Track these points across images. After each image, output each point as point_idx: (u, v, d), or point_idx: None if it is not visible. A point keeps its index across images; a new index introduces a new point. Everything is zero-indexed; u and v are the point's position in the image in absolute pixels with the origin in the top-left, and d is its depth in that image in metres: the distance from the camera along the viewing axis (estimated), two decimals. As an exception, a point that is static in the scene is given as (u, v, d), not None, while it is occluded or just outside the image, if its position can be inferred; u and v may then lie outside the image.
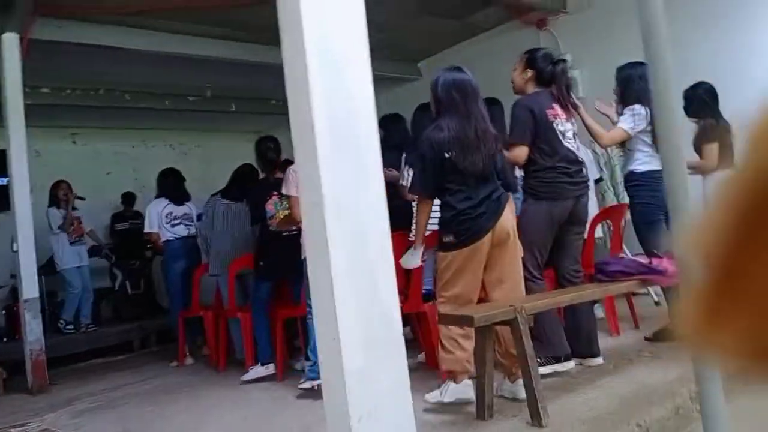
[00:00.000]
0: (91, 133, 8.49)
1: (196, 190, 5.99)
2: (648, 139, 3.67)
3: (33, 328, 5.00)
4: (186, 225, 5.45)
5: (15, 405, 4.48)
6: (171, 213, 5.43)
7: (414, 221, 3.96)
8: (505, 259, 2.87)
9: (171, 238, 5.41)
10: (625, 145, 3.94)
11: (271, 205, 4.13)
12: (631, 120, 3.65)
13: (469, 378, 2.81)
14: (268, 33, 6.04)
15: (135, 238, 7.44)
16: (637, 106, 3.65)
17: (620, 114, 3.77)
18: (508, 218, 2.89)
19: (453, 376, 2.80)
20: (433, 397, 2.83)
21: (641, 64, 3.83)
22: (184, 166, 6.43)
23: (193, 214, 5.57)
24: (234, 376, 4.33)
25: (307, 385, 3.42)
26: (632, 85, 3.71)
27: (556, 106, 3.27)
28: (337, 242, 1.70)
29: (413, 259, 3.06)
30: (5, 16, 4.91)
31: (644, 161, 3.67)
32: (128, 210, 7.79)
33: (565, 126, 3.30)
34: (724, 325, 0.29)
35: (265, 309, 4.21)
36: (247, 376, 4.09)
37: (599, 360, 3.29)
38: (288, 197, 3.67)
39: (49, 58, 5.74)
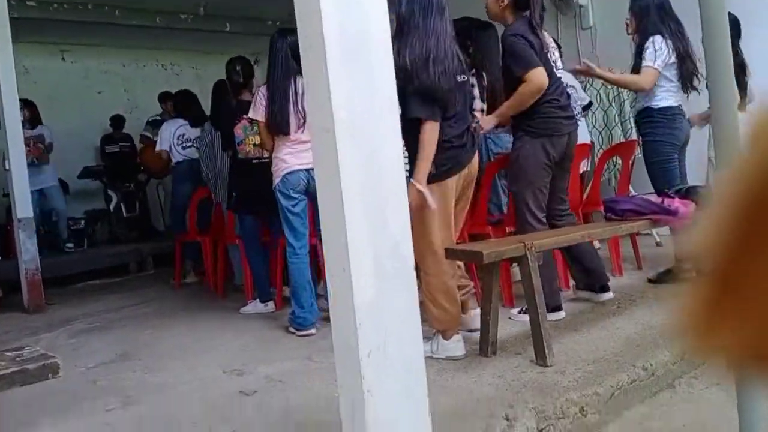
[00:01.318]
0: (80, 50, 8.18)
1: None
2: (669, 73, 3.49)
3: (28, 247, 4.97)
4: (197, 148, 5.33)
5: (11, 324, 4.48)
6: (183, 135, 5.32)
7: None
8: (463, 202, 2.75)
9: (180, 160, 5.31)
10: None
11: (240, 130, 3.82)
12: (654, 55, 3.46)
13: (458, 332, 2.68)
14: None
15: (126, 161, 7.32)
16: (657, 39, 3.46)
17: (639, 46, 3.57)
18: (476, 157, 2.77)
19: (443, 332, 2.64)
20: (424, 351, 2.73)
21: None
22: (177, 88, 6.21)
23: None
24: (232, 302, 4.33)
25: (302, 333, 3.31)
26: (650, 16, 3.52)
27: (542, 35, 3.03)
28: (349, 169, 1.59)
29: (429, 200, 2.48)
30: None
31: (662, 96, 3.51)
32: (117, 133, 7.59)
33: (555, 55, 3.12)
34: (724, 325, 0.29)
35: (256, 243, 4.07)
36: (245, 310, 4.05)
37: (610, 294, 3.26)
38: (256, 122, 3.46)
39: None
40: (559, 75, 3.11)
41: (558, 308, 3.04)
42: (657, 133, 3.52)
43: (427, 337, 2.53)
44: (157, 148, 5.43)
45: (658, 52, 3.43)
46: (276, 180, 3.35)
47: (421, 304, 2.31)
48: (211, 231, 4.92)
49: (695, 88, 3.49)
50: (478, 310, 2.82)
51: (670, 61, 3.45)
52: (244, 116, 3.71)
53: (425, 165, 2.47)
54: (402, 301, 1.65)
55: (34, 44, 7.25)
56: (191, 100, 5.58)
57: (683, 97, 3.58)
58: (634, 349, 2.51)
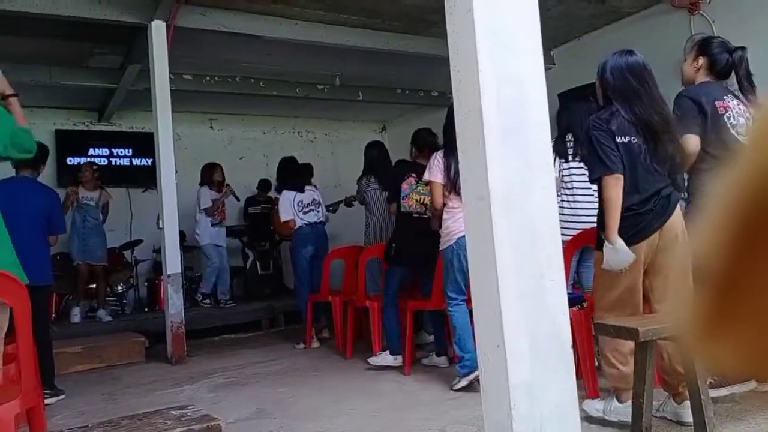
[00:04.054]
0: (226, 118, 8.90)
1: (323, 178, 6.05)
2: None
3: (175, 301, 5.28)
4: (315, 211, 5.53)
5: (156, 374, 4.77)
6: (302, 201, 5.55)
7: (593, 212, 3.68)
8: (672, 265, 2.57)
9: (301, 225, 5.50)
10: None
11: (407, 185, 4.15)
12: None
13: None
14: (401, 21, 6.06)
15: (266, 222, 7.75)
16: None
17: None
18: (678, 219, 2.59)
19: (618, 392, 2.57)
20: (595, 409, 2.66)
21: None
22: (312, 154, 6.56)
23: (320, 199, 5.66)
24: (360, 363, 4.35)
25: (463, 382, 3.38)
26: None
27: (728, 99, 2.90)
28: (503, 240, 1.55)
29: (620, 255, 2.44)
30: (154, 4, 5.19)
31: None
32: (261, 195, 8.09)
33: (737, 120, 2.92)
34: (723, 336, 0.29)
35: (395, 299, 4.16)
36: (374, 361, 4.11)
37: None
38: (429, 183, 3.67)
39: (193, 46, 6.03)
40: (741, 139, 2.92)
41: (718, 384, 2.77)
42: None
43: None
44: (283, 218, 5.54)
45: None
46: (450, 242, 3.49)
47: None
48: (343, 291, 5.02)
49: None
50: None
51: None
52: (412, 175, 4.08)
53: (613, 223, 2.45)
54: (560, 383, 1.55)
55: (186, 113, 7.98)
56: (292, 168, 5.75)
57: None
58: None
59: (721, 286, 0.28)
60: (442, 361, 4.13)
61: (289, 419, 3.18)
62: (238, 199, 7.19)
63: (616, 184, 2.46)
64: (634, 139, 2.52)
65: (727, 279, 0.28)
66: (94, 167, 6.65)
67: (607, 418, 2.60)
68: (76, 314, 6.22)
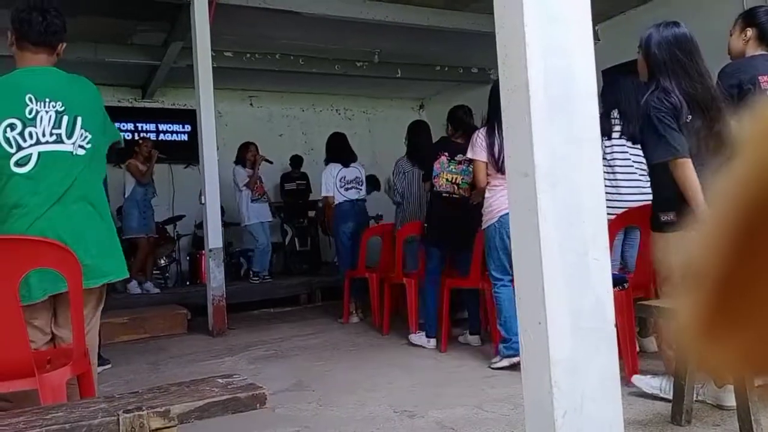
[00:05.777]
0: (266, 96, 8.96)
1: (360, 155, 6.04)
2: None
3: (216, 275, 5.40)
4: (357, 189, 5.55)
5: (198, 345, 4.90)
6: (344, 177, 5.56)
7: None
8: None
9: (341, 201, 5.51)
10: None
11: (438, 164, 4.09)
12: None
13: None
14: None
15: (302, 198, 7.83)
16: None
17: None
18: None
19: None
20: (650, 386, 2.67)
21: None
22: (349, 131, 6.53)
23: (363, 177, 5.66)
24: (397, 340, 4.39)
25: (504, 363, 3.39)
26: None
27: None
28: (547, 217, 1.53)
29: None
30: (196, -19, 5.23)
31: None
32: (296, 171, 8.17)
33: None
34: (722, 341, 0.28)
35: (437, 279, 4.14)
36: (413, 338, 4.19)
37: None
38: (473, 161, 3.65)
39: (234, 23, 6.06)
40: None
41: None
42: None
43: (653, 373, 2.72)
44: (323, 193, 5.58)
45: None
46: (491, 220, 3.46)
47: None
48: (380, 268, 5.05)
49: None
50: None
51: None
52: (444, 153, 4.04)
53: (698, 208, 2.28)
54: (603, 361, 1.54)
55: (227, 90, 8.05)
56: (341, 142, 5.73)
57: None
58: None
59: (721, 287, 0.28)
60: (475, 339, 4.14)
61: (327, 391, 3.24)
62: (271, 162, 7.17)
63: (688, 167, 2.33)
64: (689, 118, 2.41)
65: (727, 279, 0.28)
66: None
67: (662, 395, 2.60)
68: (135, 287, 6.38)
